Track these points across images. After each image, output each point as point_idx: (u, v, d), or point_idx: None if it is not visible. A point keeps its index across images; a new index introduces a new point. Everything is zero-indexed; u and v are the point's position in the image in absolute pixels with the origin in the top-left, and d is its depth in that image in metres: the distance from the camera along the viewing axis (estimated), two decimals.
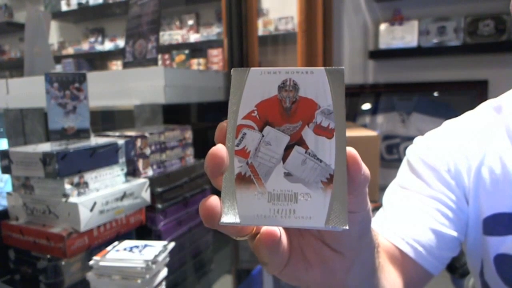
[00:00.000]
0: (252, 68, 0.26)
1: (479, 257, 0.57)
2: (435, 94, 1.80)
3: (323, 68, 0.26)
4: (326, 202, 0.24)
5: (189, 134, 1.03)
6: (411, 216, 0.55)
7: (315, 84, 0.26)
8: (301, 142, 0.25)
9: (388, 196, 0.61)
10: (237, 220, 0.24)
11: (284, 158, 0.25)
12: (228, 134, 0.26)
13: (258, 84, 0.26)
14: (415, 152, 0.61)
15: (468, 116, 0.61)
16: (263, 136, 0.26)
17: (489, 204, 0.54)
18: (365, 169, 0.26)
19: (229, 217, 0.24)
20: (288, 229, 0.28)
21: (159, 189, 0.86)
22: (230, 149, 0.26)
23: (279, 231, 0.26)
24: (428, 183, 0.56)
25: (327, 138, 0.25)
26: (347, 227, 0.24)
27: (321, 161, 0.25)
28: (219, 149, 0.25)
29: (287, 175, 0.25)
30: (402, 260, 0.54)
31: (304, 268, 0.30)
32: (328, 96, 0.26)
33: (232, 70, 0.27)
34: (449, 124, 0.61)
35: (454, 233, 0.55)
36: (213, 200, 0.25)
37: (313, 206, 0.24)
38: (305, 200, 0.24)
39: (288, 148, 0.25)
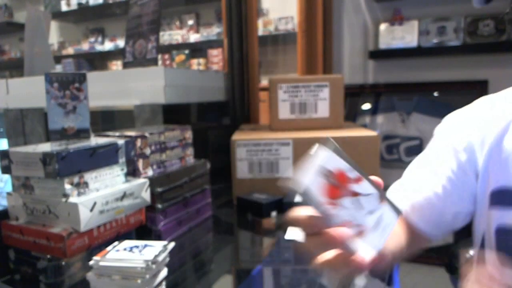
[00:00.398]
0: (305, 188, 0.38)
1: (481, 231, 0.60)
2: (435, 94, 1.80)
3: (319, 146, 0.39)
4: (388, 208, 0.42)
5: (189, 134, 1.03)
6: (419, 186, 0.65)
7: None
8: (358, 194, 0.41)
9: (408, 168, 0.69)
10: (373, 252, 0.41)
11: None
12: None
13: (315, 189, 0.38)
14: (440, 127, 0.67)
15: (501, 94, 0.63)
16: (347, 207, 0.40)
17: (497, 178, 0.57)
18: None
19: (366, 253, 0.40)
20: None
21: (159, 189, 0.86)
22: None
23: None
24: (442, 158, 0.63)
25: (362, 182, 0.40)
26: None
27: (371, 194, 0.41)
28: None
29: (369, 213, 0.41)
30: (405, 222, 0.64)
31: None
32: (343, 161, 0.40)
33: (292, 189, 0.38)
34: (479, 102, 0.64)
35: (456, 208, 0.62)
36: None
37: (388, 216, 0.42)
38: (383, 216, 0.42)
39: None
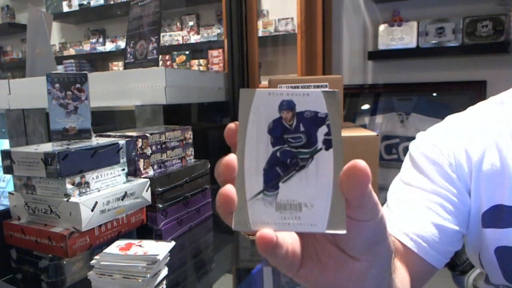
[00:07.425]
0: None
1: (477, 250, 0.58)
2: (434, 94, 1.80)
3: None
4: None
5: (189, 134, 1.04)
6: (414, 211, 0.56)
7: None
8: None
9: (391, 192, 0.61)
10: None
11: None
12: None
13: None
14: (417, 147, 0.61)
15: (470, 111, 0.62)
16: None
17: (488, 197, 0.54)
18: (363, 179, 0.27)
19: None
20: (302, 236, 0.31)
21: (160, 189, 0.87)
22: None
23: (275, 235, 0.27)
24: (431, 178, 0.57)
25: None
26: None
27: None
28: (229, 190, 0.27)
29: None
30: (406, 255, 0.55)
31: (320, 271, 0.31)
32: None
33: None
34: (452, 119, 0.62)
35: (456, 227, 0.55)
36: (230, 188, 0.27)
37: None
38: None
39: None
